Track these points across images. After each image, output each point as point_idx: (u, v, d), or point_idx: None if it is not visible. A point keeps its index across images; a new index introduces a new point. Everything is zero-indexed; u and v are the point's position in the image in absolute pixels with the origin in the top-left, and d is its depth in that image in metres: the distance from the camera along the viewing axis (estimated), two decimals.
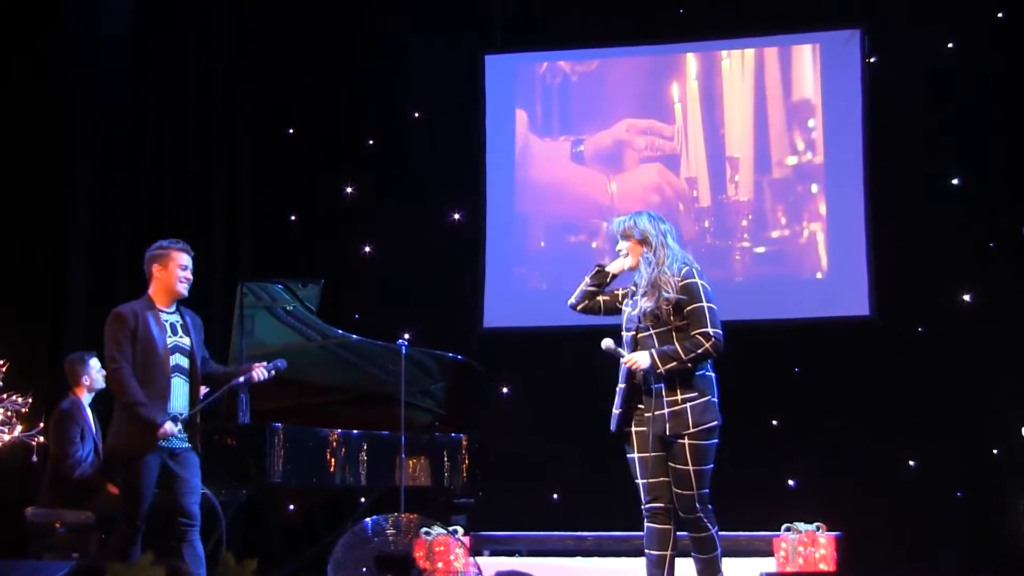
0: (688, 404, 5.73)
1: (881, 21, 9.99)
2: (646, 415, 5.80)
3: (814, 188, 10.05)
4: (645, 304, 5.80)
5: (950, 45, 9.81)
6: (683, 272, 5.77)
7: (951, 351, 9.46)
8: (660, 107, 10.45)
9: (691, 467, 5.70)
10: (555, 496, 10.01)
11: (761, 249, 10.07)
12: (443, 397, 8.79)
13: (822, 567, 7.57)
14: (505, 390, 10.38)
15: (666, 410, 5.74)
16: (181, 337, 6.53)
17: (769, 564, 7.74)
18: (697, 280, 5.77)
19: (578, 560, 8.41)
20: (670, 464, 5.77)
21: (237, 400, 7.72)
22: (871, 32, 10.03)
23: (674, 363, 5.68)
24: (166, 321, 6.50)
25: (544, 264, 10.59)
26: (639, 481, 5.88)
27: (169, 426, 6.33)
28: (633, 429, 5.89)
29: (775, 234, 10.08)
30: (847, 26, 10.09)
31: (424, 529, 7.84)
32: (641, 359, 5.72)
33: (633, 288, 6.00)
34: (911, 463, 9.49)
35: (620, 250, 5.99)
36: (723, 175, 10.23)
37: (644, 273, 5.84)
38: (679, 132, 10.35)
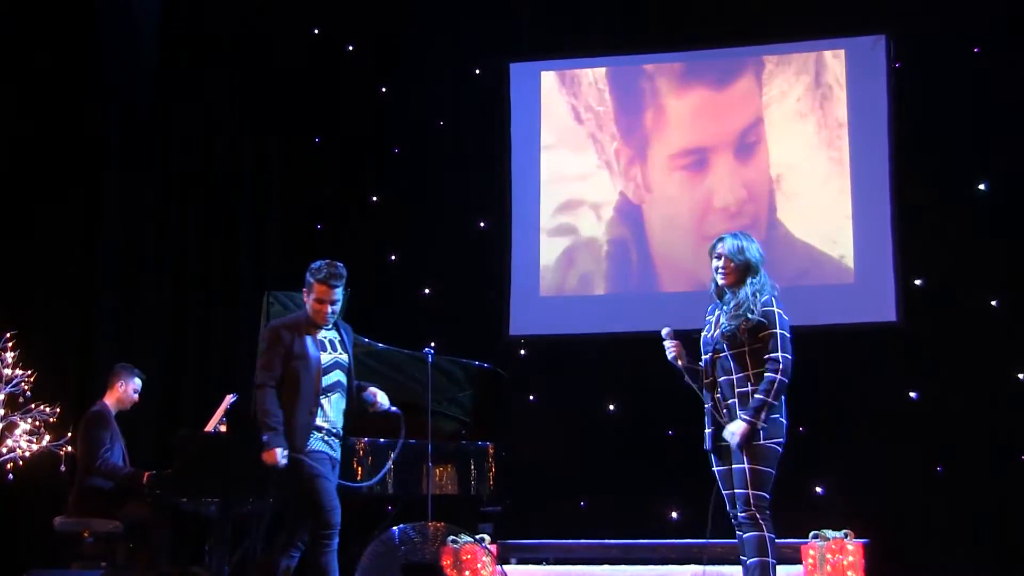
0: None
1: (906, 26, 9.93)
2: (725, 426, 5.94)
3: (840, 193, 9.99)
4: (727, 324, 5.95)
5: (976, 50, 9.74)
6: (763, 299, 5.93)
7: (979, 357, 9.41)
8: (688, 115, 10.42)
9: (751, 465, 5.82)
10: (582, 504, 9.97)
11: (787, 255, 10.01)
12: (469, 405, 8.75)
13: (850, 574, 7.51)
14: (532, 397, 10.34)
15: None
16: (340, 353, 6.41)
17: (797, 571, 7.69)
18: (775, 308, 5.92)
19: (605, 568, 8.36)
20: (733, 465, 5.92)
21: None
22: (896, 38, 9.97)
23: (763, 409, 5.80)
24: (323, 338, 6.37)
25: (569, 271, 10.54)
26: (727, 492, 5.99)
27: (279, 453, 6.09)
28: (719, 444, 6.00)
29: (803, 240, 10.03)
30: (872, 32, 10.03)
31: (451, 537, 7.79)
32: (736, 429, 5.82)
33: (718, 308, 6.09)
34: (939, 469, 9.41)
35: (716, 268, 6.06)
36: (750, 181, 10.20)
37: (742, 297, 5.95)
38: (706, 139, 10.32)
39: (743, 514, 5.84)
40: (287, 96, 10.97)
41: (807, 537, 7.71)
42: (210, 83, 10.95)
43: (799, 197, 10.12)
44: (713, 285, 6.12)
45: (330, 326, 6.41)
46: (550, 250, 10.60)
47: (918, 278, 9.72)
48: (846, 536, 7.60)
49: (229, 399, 8.21)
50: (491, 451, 8.46)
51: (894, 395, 9.57)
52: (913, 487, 9.34)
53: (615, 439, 9.94)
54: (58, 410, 8.16)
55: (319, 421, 6.26)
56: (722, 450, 5.96)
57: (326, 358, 6.33)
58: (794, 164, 10.16)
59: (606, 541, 8.72)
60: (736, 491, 5.87)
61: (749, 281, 5.97)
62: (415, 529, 7.59)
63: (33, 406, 8.10)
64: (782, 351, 5.85)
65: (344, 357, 6.42)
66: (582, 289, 10.46)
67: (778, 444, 5.87)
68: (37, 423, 8.11)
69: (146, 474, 7.71)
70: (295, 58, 11.03)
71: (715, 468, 6.04)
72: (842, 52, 10.14)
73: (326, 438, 6.29)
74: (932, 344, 9.57)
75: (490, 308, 10.52)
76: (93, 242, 10.07)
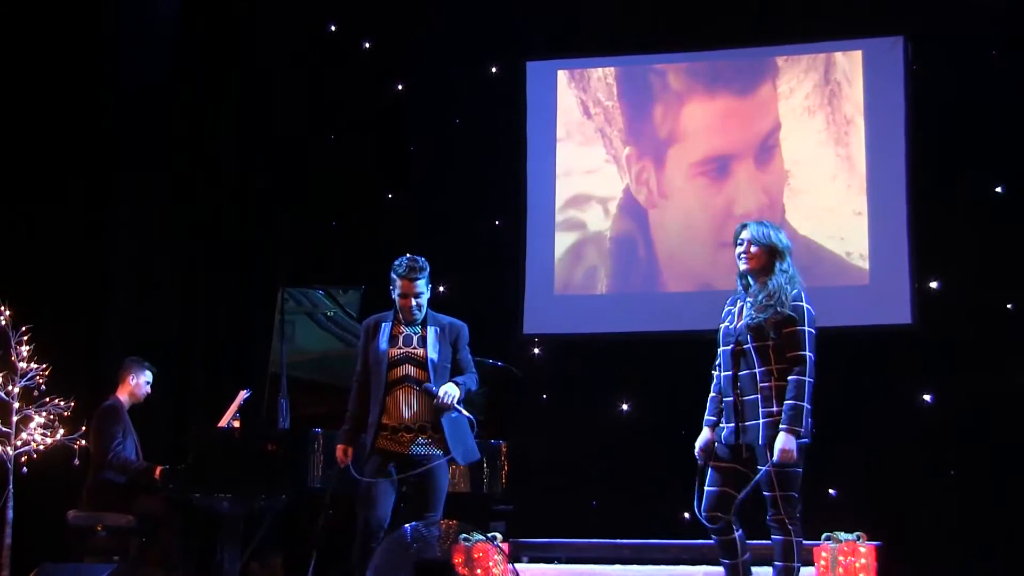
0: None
1: (924, 28, 9.89)
2: (743, 424, 5.78)
3: (856, 195, 9.97)
4: (754, 315, 5.75)
5: (993, 52, 9.72)
6: (793, 293, 5.73)
7: (994, 359, 9.35)
8: (704, 115, 10.42)
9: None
10: (594, 503, 9.95)
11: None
12: (483, 403, 8.50)
13: None
14: (544, 396, 10.32)
15: (761, 420, 5.71)
16: (416, 348, 6.40)
17: (809, 574, 7.65)
18: (804, 304, 5.72)
19: (617, 568, 8.28)
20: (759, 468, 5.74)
21: (277, 405, 7.73)
22: (914, 39, 9.93)
23: (802, 414, 5.60)
24: (402, 333, 6.43)
25: (585, 270, 10.53)
26: (730, 493, 5.84)
27: (339, 451, 6.37)
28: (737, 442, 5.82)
29: (817, 242, 9.98)
30: (890, 33, 9.99)
31: (463, 536, 7.70)
32: (784, 444, 5.57)
33: (740, 300, 5.93)
34: (952, 472, 9.37)
35: (739, 254, 5.89)
36: (766, 182, 10.18)
37: (773, 286, 5.75)
38: (723, 138, 10.32)
39: (771, 518, 5.71)
40: (302, 93, 10.97)
41: (819, 539, 7.68)
42: (223, 80, 10.91)
43: (806, 196, 10.11)
44: (739, 279, 5.93)
45: (418, 320, 6.44)
46: (565, 249, 10.58)
47: (934, 280, 9.68)
48: (858, 538, 7.55)
49: (243, 394, 8.21)
50: (504, 449, 8.40)
51: (908, 398, 9.54)
52: (927, 490, 9.27)
53: (628, 438, 9.92)
54: (72, 404, 8.17)
55: (383, 419, 6.34)
56: (737, 447, 5.79)
57: (395, 353, 6.37)
58: (803, 162, 10.16)
59: (618, 541, 8.59)
60: (765, 493, 5.68)
61: (778, 268, 5.78)
62: (427, 527, 7.57)
63: (48, 400, 8.11)
64: (808, 350, 5.65)
65: (419, 352, 6.38)
66: (597, 288, 10.45)
67: (805, 438, 5.66)
68: (51, 417, 8.13)
69: (158, 468, 7.77)
70: (311, 55, 11.00)
71: (718, 464, 5.86)
72: (859, 53, 10.10)
73: (392, 435, 6.35)
74: (947, 347, 9.49)
75: (505, 306, 10.50)
76: (104, 235, 10.04)
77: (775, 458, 5.58)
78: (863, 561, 7.46)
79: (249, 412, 8.17)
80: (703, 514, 5.85)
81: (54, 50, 9.91)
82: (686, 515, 9.50)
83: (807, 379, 5.62)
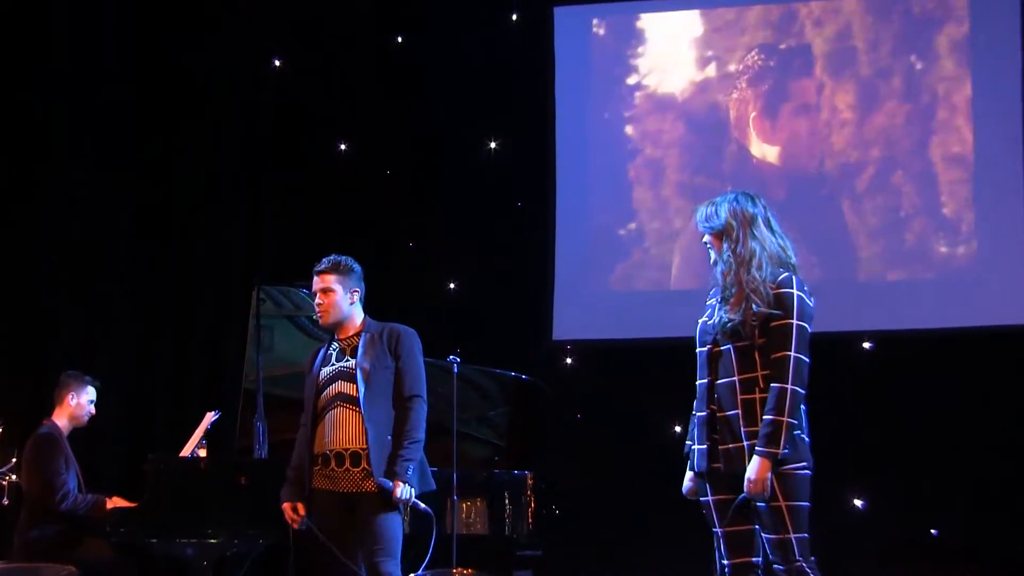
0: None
1: None
2: (720, 448, 5.45)
3: (962, 177, 9.91)
4: (728, 315, 5.47)
5: None
6: (780, 278, 5.41)
7: None
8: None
9: (783, 502, 5.30)
10: (639, 546, 9.87)
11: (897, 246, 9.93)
12: (504, 425, 8.74)
13: None
14: (579, 416, 10.29)
15: (745, 443, 5.37)
16: (347, 361, 6.38)
17: None
18: (794, 290, 5.38)
19: None
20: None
21: (252, 429, 7.72)
22: None
23: (781, 433, 5.23)
24: (337, 348, 6.47)
25: (631, 259, 10.50)
26: (716, 530, 5.52)
27: (287, 511, 6.27)
28: (714, 467, 5.49)
29: (916, 228, 9.93)
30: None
31: None
32: (755, 473, 5.23)
33: (715, 293, 5.70)
34: None
35: (706, 243, 5.62)
36: (844, 159, 10.12)
37: (723, 276, 5.53)
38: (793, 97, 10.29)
39: (781, 567, 5.32)
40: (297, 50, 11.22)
41: None
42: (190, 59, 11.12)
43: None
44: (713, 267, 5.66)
45: (348, 328, 6.46)
46: (604, 238, 10.54)
47: None
48: None
49: (210, 417, 8.17)
50: (530, 481, 8.29)
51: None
52: None
53: (681, 468, 9.77)
54: (0, 429, 8.24)
55: (316, 449, 6.28)
56: (718, 475, 5.42)
57: (327, 373, 6.37)
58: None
59: None
60: (767, 536, 5.30)
61: (722, 255, 5.52)
62: None
63: None
64: (795, 350, 5.28)
65: (351, 364, 6.34)
66: (643, 284, 10.39)
67: (807, 469, 5.31)
68: None
69: (109, 502, 7.73)
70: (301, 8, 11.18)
71: (707, 498, 5.50)
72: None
73: (325, 470, 6.26)
74: None
75: (530, 307, 10.54)
76: (43, 226, 10.22)
77: (745, 488, 5.24)
78: None
79: (218, 438, 8.19)
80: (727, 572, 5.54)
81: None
82: None
83: (791, 387, 5.25)
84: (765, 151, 10.26)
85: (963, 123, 9.88)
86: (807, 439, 5.34)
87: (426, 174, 10.84)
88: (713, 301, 5.65)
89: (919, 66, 10.04)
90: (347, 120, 11.06)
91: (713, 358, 5.52)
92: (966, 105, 9.89)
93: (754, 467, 5.21)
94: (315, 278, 6.46)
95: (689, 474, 5.64)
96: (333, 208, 10.87)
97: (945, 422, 9.42)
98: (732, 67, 10.44)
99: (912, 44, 10.07)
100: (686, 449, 5.64)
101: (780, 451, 5.19)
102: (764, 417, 5.25)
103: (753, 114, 10.31)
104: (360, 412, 6.23)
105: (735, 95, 10.37)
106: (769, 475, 5.19)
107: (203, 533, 7.33)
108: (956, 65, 9.98)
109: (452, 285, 10.48)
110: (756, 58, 10.35)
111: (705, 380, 5.53)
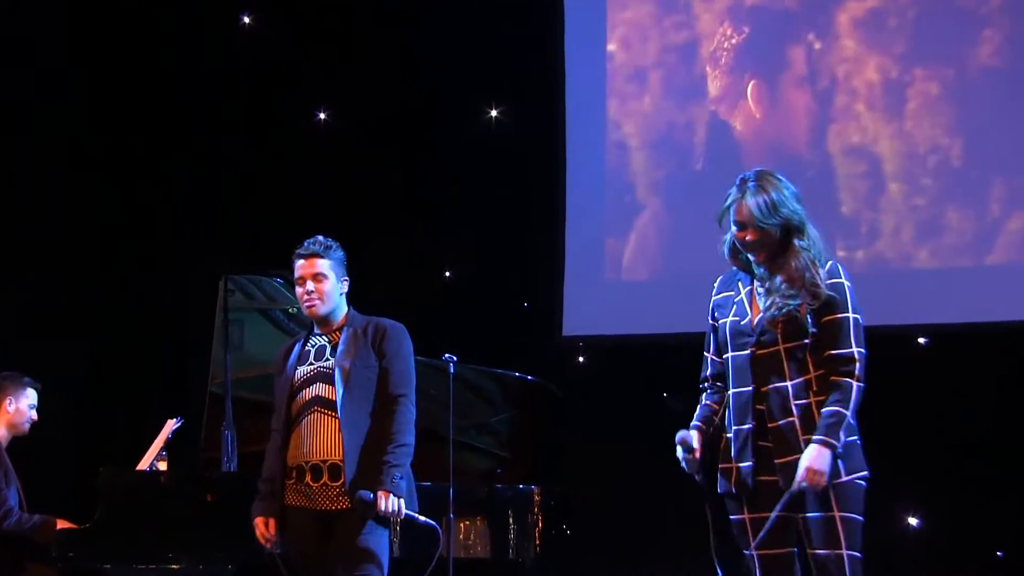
0: None
1: None
2: (776, 462, 5.30)
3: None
4: (780, 303, 5.30)
5: None
6: (829, 266, 5.32)
7: None
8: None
9: (837, 512, 5.21)
10: (662, 570, 9.87)
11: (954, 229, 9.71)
12: (507, 433, 8.67)
13: None
14: (593, 422, 10.14)
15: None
16: (327, 360, 6.22)
17: None
18: (843, 280, 5.31)
19: None
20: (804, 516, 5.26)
21: (220, 438, 7.66)
22: None
23: (840, 422, 5.15)
24: (315, 345, 6.30)
25: (652, 245, 10.46)
26: (751, 552, 5.40)
27: (259, 527, 6.07)
28: (760, 479, 5.35)
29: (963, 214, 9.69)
30: None
31: None
32: (814, 462, 5.11)
33: (745, 282, 5.54)
34: None
35: (742, 241, 5.41)
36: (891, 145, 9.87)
37: (800, 265, 5.30)
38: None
39: None
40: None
41: None
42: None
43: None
44: (727, 248, 5.49)
45: (331, 319, 6.30)
46: (621, 220, 10.50)
47: None
48: None
49: (172, 424, 8.07)
50: (537, 497, 8.19)
51: None
52: None
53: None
54: None
55: (290, 460, 6.10)
56: (762, 493, 5.27)
57: (303, 373, 6.20)
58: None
59: None
60: (816, 552, 5.19)
61: (797, 244, 5.31)
62: None
63: None
64: (857, 345, 5.21)
65: (330, 362, 6.18)
66: (666, 274, 10.37)
67: (864, 480, 5.24)
68: None
69: (58, 522, 7.58)
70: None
71: (740, 516, 5.42)
72: None
73: (299, 485, 6.08)
74: None
75: (537, 298, 10.64)
76: None
77: (798, 478, 5.11)
78: None
79: (181, 448, 8.07)
80: None
81: None
82: None
83: (860, 384, 5.20)
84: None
85: None
86: (858, 443, 5.28)
87: (417, 147, 10.92)
88: (734, 295, 5.55)
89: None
90: (327, 86, 11.18)
91: (758, 363, 5.37)
92: None
93: (816, 455, 5.09)
94: (300, 262, 6.23)
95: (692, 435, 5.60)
96: (311, 187, 10.94)
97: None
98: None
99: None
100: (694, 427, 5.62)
101: (839, 444, 5.11)
102: (826, 408, 5.16)
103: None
104: (338, 418, 6.12)
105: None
106: (828, 464, 5.09)
107: (163, 557, 7.23)
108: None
109: (448, 273, 10.31)
110: None
111: (749, 388, 5.37)
